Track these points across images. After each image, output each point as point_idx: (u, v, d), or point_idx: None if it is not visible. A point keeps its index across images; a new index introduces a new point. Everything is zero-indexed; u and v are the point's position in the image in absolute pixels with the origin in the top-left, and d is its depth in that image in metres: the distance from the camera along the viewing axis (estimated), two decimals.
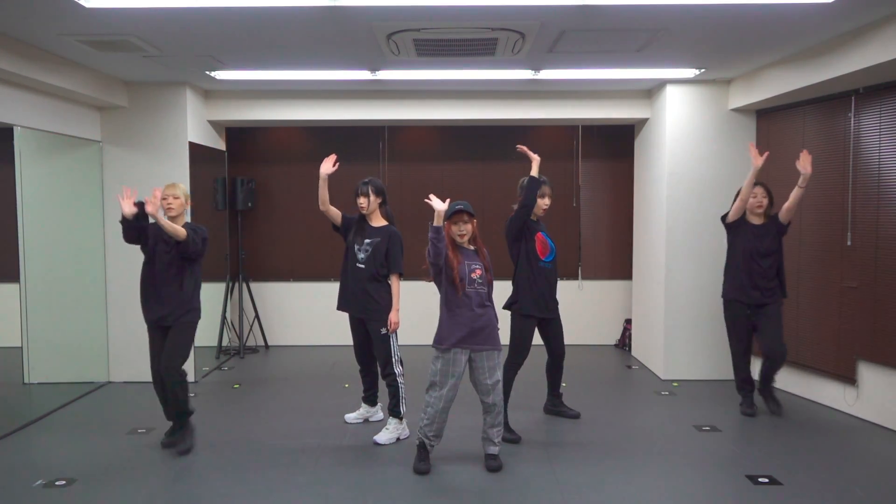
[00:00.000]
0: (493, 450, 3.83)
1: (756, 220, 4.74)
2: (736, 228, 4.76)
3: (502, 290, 4.39)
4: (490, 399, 3.75)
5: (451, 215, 3.71)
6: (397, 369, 4.27)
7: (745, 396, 4.84)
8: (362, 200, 4.27)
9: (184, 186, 4.29)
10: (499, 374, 3.79)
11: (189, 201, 4.22)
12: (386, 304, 4.26)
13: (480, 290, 3.74)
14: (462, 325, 3.69)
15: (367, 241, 4.26)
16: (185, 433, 4.15)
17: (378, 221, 4.34)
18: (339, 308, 4.45)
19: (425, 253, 3.67)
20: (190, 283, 4.05)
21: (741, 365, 4.85)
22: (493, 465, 3.80)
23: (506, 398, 4.28)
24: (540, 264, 4.37)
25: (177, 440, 4.13)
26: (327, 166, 4.28)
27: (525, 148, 4.38)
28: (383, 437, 4.27)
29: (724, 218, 4.84)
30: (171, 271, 4.00)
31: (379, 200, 4.31)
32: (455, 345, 3.69)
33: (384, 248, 4.24)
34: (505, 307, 4.41)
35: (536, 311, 4.38)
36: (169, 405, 4.12)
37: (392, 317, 4.23)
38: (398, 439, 4.28)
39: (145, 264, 4.07)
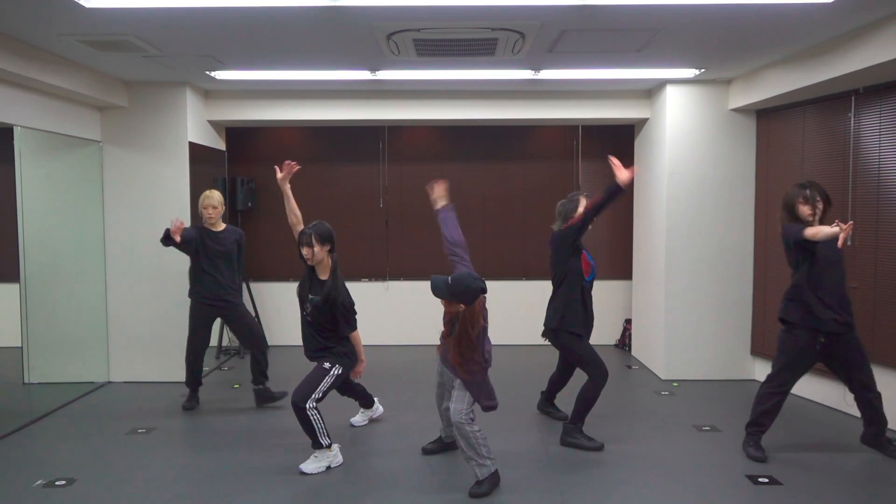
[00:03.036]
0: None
1: None
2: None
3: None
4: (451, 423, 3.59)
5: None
6: (311, 404, 3.76)
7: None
8: (306, 251, 3.86)
9: (217, 194, 4.96)
10: (457, 411, 3.51)
11: (223, 205, 5.05)
12: (338, 348, 3.96)
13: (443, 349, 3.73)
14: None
15: (311, 296, 3.91)
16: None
17: (325, 273, 3.94)
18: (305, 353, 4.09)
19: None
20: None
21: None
22: (473, 490, 3.53)
23: (582, 416, 4.24)
24: (583, 283, 4.18)
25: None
26: (283, 174, 4.09)
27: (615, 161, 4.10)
28: (311, 466, 3.82)
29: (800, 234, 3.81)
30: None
31: (326, 248, 3.92)
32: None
33: (326, 308, 3.87)
34: (551, 329, 4.25)
35: (584, 331, 4.21)
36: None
37: (358, 368, 4.08)
38: (328, 468, 3.86)
39: None
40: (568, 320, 4.14)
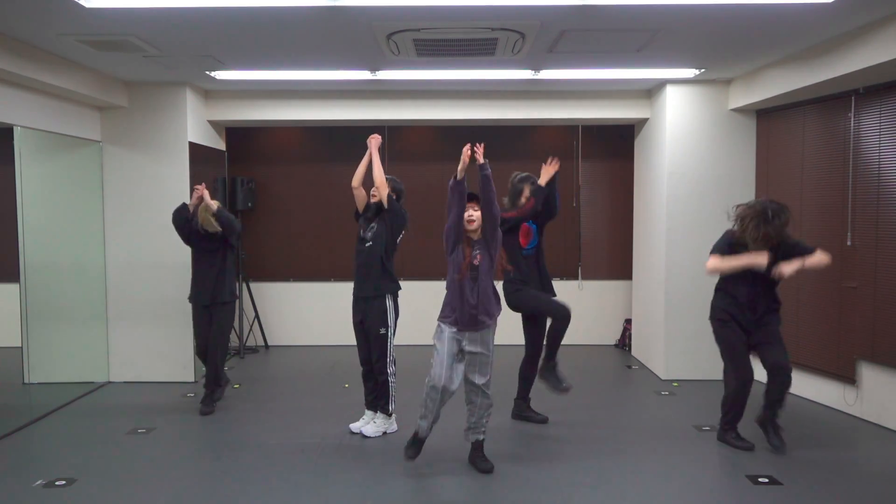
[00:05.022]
0: (475, 437, 3.86)
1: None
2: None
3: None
4: (476, 399, 3.78)
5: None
6: (390, 369, 4.34)
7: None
8: (375, 190, 4.36)
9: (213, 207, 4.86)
10: (487, 377, 3.79)
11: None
12: (386, 300, 4.30)
13: (478, 278, 3.71)
14: (455, 307, 3.72)
15: (373, 224, 4.34)
16: (219, 392, 5.02)
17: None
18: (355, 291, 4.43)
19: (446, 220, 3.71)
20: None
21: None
22: (486, 466, 3.81)
23: (525, 393, 4.63)
24: (523, 253, 4.44)
25: (209, 400, 4.97)
26: (376, 142, 4.53)
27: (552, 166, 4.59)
28: (370, 429, 4.37)
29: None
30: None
31: (394, 197, 4.37)
32: (443, 320, 3.78)
33: (389, 223, 4.31)
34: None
35: (522, 286, 4.44)
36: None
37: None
38: (385, 433, 4.38)
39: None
40: (505, 297, 4.42)
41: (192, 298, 4.97)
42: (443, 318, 3.78)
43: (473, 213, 3.74)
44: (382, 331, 4.31)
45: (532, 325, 4.58)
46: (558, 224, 6.93)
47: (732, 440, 4.17)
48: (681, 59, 4.95)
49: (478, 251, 3.75)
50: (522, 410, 4.71)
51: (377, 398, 4.42)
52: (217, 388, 4.99)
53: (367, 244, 4.33)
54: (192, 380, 5.72)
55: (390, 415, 4.42)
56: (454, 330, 3.71)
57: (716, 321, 4.17)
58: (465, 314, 3.69)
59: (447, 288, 3.77)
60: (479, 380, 3.76)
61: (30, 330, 5.01)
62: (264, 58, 4.81)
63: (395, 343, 4.38)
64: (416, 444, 3.80)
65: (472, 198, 3.74)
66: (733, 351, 4.12)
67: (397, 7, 3.59)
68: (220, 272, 4.90)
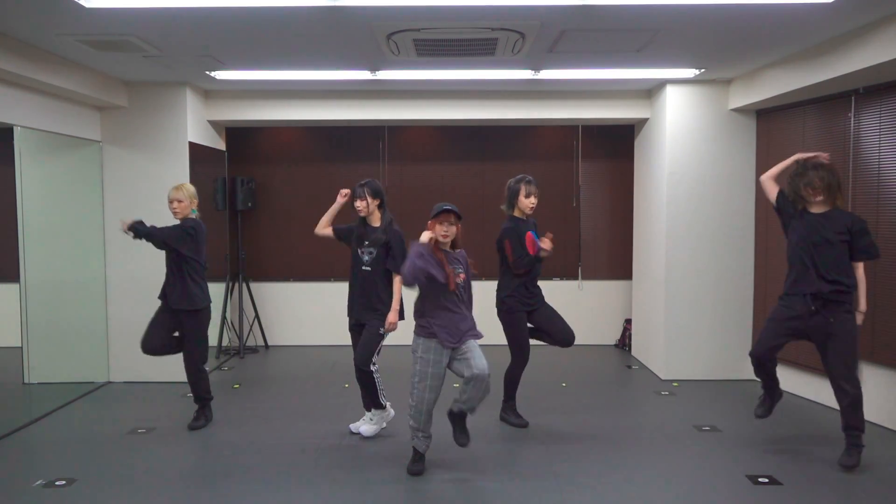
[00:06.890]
0: (458, 407, 3.65)
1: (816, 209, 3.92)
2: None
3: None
4: (468, 388, 3.59)
5: (437, 214, 3.61)
6: (374, 367, 4.20)
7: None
8: (359, 203, 4.19)
9: (189, 188, 4.60)
10: (484, 361, 3.60)
11: (195, 200, 4.61)
12: (382, 308, 4.21)
13: (461, 294, 3.69)
14: (442, 326, 3.61)
15: (368, 243, 4.21)
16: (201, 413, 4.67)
17: (377, 223, 4.26)
18: (348, 314, 4.36)
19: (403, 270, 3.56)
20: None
21: None
22: (461, 440, 3.71)
23: (510, 397, 4.60)
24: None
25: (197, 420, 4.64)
26: (340, 200, 4.42)
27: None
28: (368, 429, 4.34)
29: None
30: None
31: (377, 202, 4.22)
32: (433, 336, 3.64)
33: (386, 247, 4.19)
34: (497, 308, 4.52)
35: (524, 307, 4.44)
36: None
37: (390, 316, 4.15)
38: (384, 426, 4.40)
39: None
40: (508, 301, 4.45)
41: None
42: (427, 334, 3.65)
43: (449, 228, 3.61)
44: (382, 330, 4.19)
45: (534, 317, 4.54)
46: (558, 224, 6.94)
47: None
48: (681, 59, 4.95)
49: (460, 271, 3.68)
50: (505, 412, 4.67)
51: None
52: (201, 406, 4.64)
53: (365, 268, 4.20)
54: None
55: (384, 406, 4.34)
56: (439, 346, 3.62)
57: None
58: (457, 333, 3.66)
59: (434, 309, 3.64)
60: (478, 369, 3.55)
61: (30, 330, 5.01)
62: (264, 58, 4.81)
63: (384, 343, 4.30)
64: (420, 459, 3.81)
65: (448, 212, 3.60)
66: (769, 330, 3.99)
67: (397, 7, 3.60)
68: (175, 279, 4.57)
